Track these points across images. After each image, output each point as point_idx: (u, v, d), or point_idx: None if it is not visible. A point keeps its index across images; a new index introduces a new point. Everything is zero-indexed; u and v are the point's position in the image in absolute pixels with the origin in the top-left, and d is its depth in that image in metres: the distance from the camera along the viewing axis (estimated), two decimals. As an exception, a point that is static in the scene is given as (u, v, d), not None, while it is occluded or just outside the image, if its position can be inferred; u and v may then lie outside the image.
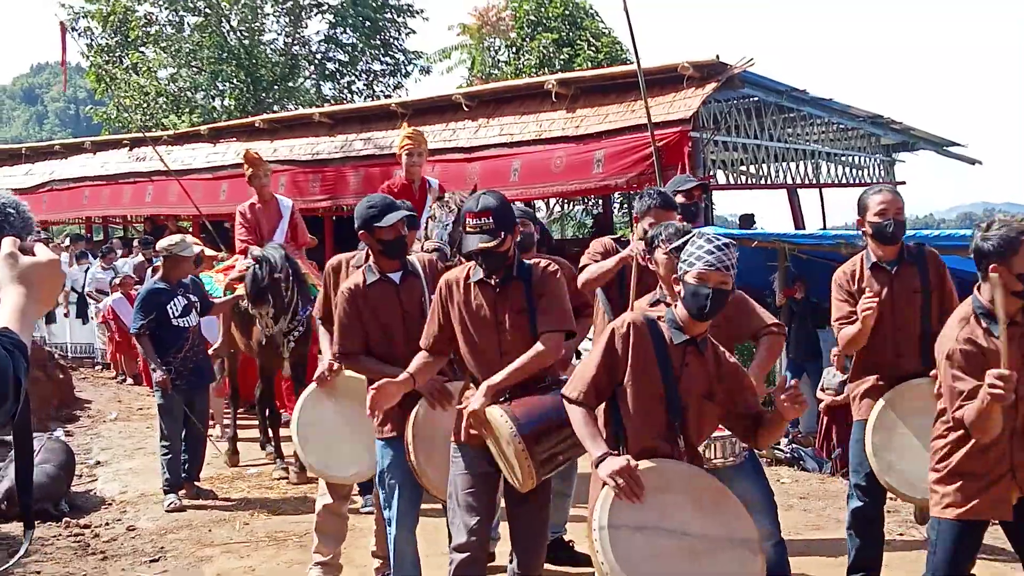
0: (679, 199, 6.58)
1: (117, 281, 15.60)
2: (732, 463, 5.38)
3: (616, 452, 4.14)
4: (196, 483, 8.88)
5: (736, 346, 5.64)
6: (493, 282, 4.89)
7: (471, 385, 5.01)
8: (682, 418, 4.26)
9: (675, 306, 4.41)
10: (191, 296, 8.91)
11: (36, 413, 11.49)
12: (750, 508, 5.11)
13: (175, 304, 8.73)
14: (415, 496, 5.48)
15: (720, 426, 4.94)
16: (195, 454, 8.93)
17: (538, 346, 4.78)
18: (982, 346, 4.47)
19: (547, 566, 5.33)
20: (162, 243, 9.22)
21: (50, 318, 17.77)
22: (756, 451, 5.61)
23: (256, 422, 10.43)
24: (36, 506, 8.18)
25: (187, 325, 8.78)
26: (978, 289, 4.65)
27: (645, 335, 4.29)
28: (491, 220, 4.80)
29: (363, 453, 5.99)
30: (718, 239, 4.35)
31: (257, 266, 9.06)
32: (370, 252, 5.73)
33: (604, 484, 4.03)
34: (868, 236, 5.74)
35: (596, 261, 6.23)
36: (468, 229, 4.86)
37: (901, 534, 7.39)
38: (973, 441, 4.54)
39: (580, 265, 6.34)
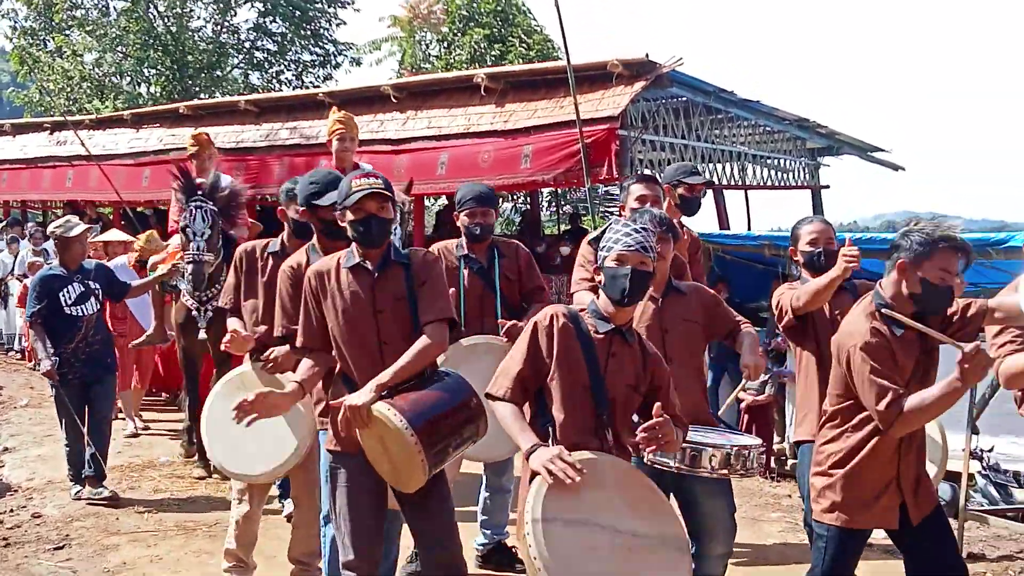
0: (680, 191, 6.50)
1: (28, 263, 15.29)
2: (754, 472, 5.18)
3: (546, 445, 4.05)
4: (103, 484, 8.27)
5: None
6: (369, 267, 4.64)
7: (341, 386, 4.69)
8: (610, 410, 4.20)
9: (598, 296, 4.38)
10: (90, 283, 8.42)
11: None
12: (715, 527, 5.18)
13: (69, 291, 8.30)
14: None
15: (743, 438, 5.05)
16: (100, 445, 8.32)
17: (424, 339, 4.51)
18: (890, 340, 4.44)
19: (489, 572, 5.14)
20: (50, 227, 8.86)
21: None
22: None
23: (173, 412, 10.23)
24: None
25: (81, 313, 8.31)
26: (880, 285, 4.64)
27: (568, 327, 4.25)
28: (380, 181, 4.61)
29: (272, 452, 5.64)
30: (637, 224, 4.31)
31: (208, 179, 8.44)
32: (314, 232, 5.43)
33: (535, 478, 3.95)
34: (801, 265, 5.79)
35: (586, 275, 5.94)
36: (354, 188, 4.56)
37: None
38: (869, 447, 4.51)
39: (575, 277, 6.10)
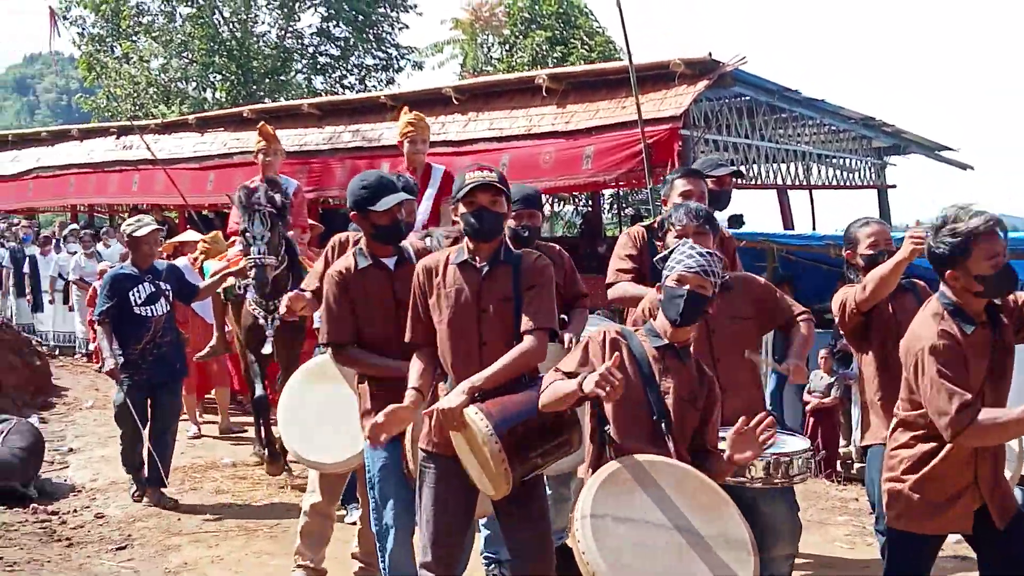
0: (709, 184, 6.28)
1: (100, 268, 15.38)
2: (800, 480, 4.99)
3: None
4: (162, 490, 8.19)
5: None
6: (478, 264, 4.54)
7: (446, 382, 4.62)
8: (667, 418, 4.14)
9: (655, 318, 4.38)
10: (160, 284, 8.30)
11: (11, 398, 11.41)
12: (777, 529, 4.99)
13: (139, 291, 8.18)
14: (411, 505, 4.86)
15: (791, 442, 4.91)
16: (163, 453, 8.25)
17: (525, 345, 4.39)
18: (960, 341, 4.27)
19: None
20: (122, 226, 8.81)
21: (37, 306, 17.57)
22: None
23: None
24: (2, 484, 8.06)
25: (150, 314, 8.18)
26: (943, 285, 4.47)
27: (621, 344, 4.23)
28: (494, 174, 4.50)
29: (350, 442, 5.47)
30: (703, 248, 4.30)
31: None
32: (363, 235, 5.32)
33: (588, 476, 3.94)
34: (860, 269, 5.55)
35: (625, 265, 5.90)
36: (467, 180, 4.45)
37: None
38: (944, 452, 4.33)
39: (609, 278, 6.00)
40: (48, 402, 12.69)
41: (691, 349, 4.42)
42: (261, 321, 8.21)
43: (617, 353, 4.04)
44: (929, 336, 4.27)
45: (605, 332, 4.26)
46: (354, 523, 6.41)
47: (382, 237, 5.18)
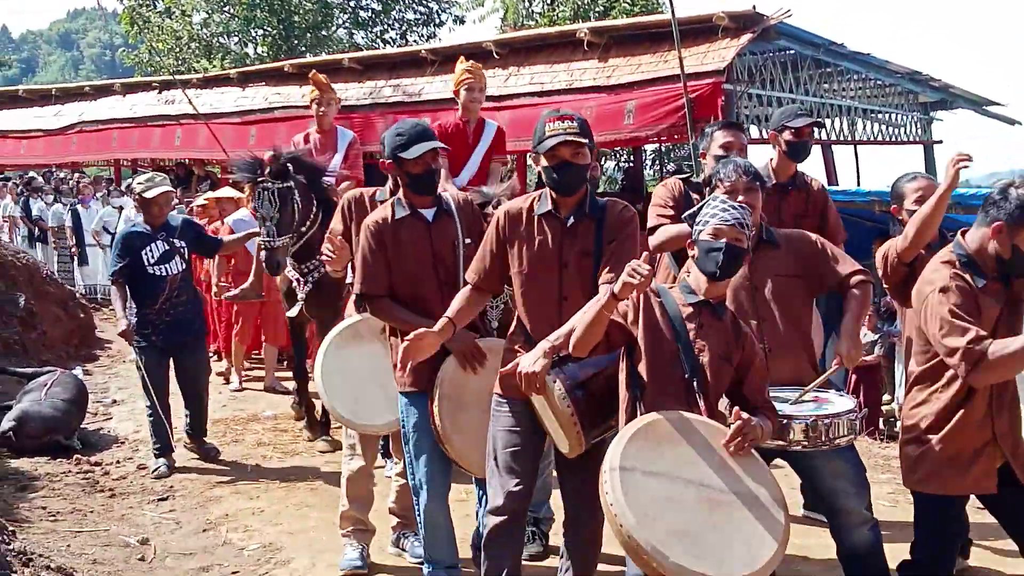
0: (786, 136, 6.06)
1: None
2: (851, 440, 4.66)
3: None
4: (204, 440, 8.27)
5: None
6: (563, 216, 4.47)
7: (518, 334, 4.61)
8: (700, 376, 4.09)
9: (688, 274, 4.33)
10: (175, 241, 7.98)
11: (56, 351, 11.53)
12: (842, 487, 4.70)
13: (152, 249, 7.87)
14: (444, 460, 4.96)
15: (838, 402, 4.65)
16: (196, 412, 8.22)
17: (601, 297, 4.14)
18: (973, 287, 4.22)
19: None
20: (133, 183, 8.47)
21: (83, 259, 17.65)
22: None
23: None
24: (45, 438, 8.15)
25: (164, 273, 7.88)
26: (963, 235, 4.39)
27: (654, 299, 4.20)
28: (575, 124, 4.38)
29: (395, 400, 5.33)
30: (734, 203, 4.24)
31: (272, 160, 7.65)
32: (399, 185, 5.24)
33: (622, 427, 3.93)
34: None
35: (666, 212, 5.73)
36: (548, 132, 4.35)
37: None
38: (961, 411, 4.29)
39: (650, 224, 5.82)
40: (92, 354, 12.83)
41: (728, 304, 4.37)
42: (294, 284, 8.01)
43: (646, 253, 3.97)
44: (941, 278, 4.22)
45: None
46: (389, 477, 6.39)
47: (415, 186, 5.08)
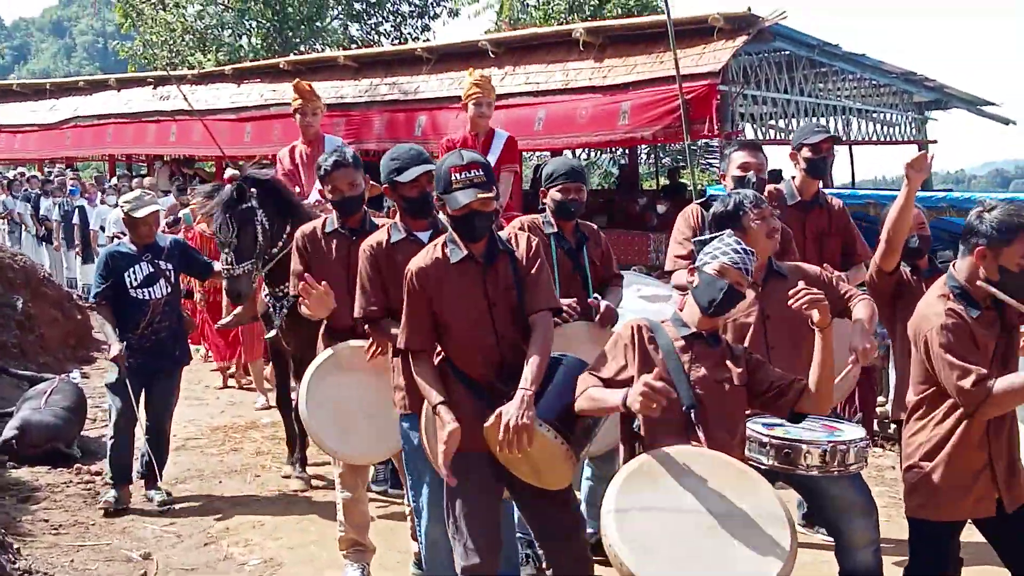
0: (805, 153, 6.14)
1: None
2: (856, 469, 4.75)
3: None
4: (157, 486, 7.50)
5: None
6: (478, 258, 4.47)
7: (455, 381, 4.51)
8: (698, 409, 4.13)
9: (683, 304, 4.39)
10: (160, 263, 7.48)
11: (53, 354, 11.55)
12: (849, 511, 4.83)
13: (136, 271, 7.38)
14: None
15: (849, 430, 4.73)
16: (154, 450, 7.51)
17: (541, 332, 4.36)
18: (967, 320, 4.28)
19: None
20: (120, 200, 7.89)
21: (87, 258, 17.44)
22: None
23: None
24: (46, 447, 8.18)
25: (147, 297, 7.37)
26: (954, 266, 4.47)
27: (648, 336, 4.23)
28: (481, 172, 4.42)
29: (383, 430, 5.33)
30: (745, 244, 4.29)
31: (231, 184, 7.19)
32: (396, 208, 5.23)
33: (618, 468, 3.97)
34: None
35: (687, 245, 5.64)
36: (455, 185, 4.37)
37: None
38: (957, 436, 4.34)
39: (671, 254, 5.83)
40: (89, 356, 12.82)
41: (734, 336, 4.43)
42: (270, 310, 7.44)
43: (657, 369, 3.98)
44: (937, 316, 4.28)
45: (633, 327, 4.24)
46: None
47: (411, 209, 5.12)
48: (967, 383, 4.13)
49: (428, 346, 4.59)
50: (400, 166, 5.04)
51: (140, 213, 7.41)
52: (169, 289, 7.53)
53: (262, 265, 7.15)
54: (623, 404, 3.95)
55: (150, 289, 7.42)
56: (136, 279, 7.38)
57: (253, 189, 7.12)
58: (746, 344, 4.81)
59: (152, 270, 7.44)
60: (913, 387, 4.54)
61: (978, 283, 4.31)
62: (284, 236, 7.09)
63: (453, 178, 4.41)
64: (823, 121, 16.16)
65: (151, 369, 7.45)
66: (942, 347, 4.22)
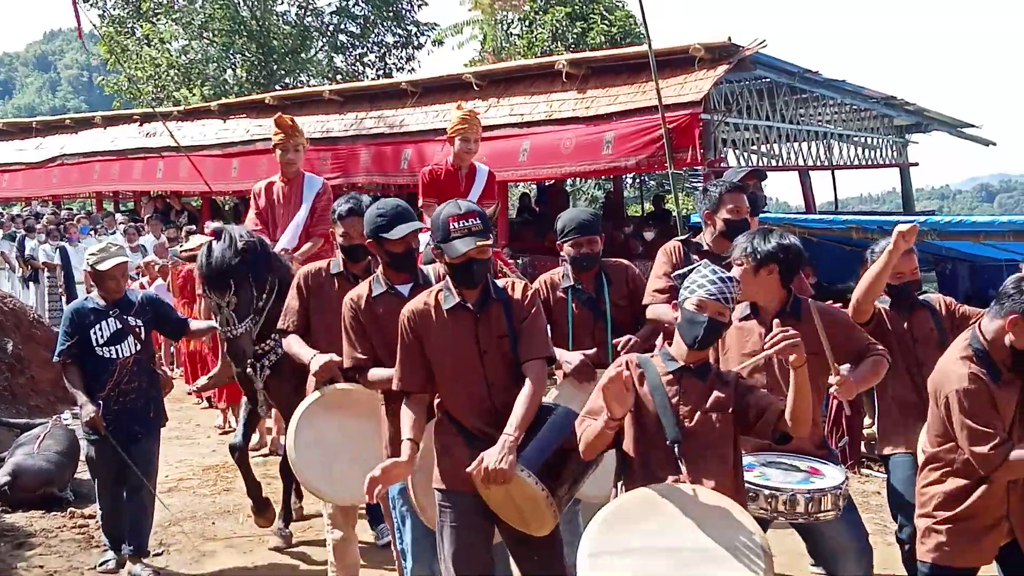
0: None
1: (141, 263, 14.84)
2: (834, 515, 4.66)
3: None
4: (142, 559, 6.91)
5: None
6: (471, 307, 4.56)
7: (448, 424, 4.63)
8: (684, 443, 4.19)
9: (672, 340, 4.43)
10: (129, 319, 6.92)
11: (44, 395, 11.56)
12: (843, 553, 4.89)
13: (102, 328, 6.84)
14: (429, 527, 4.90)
15: (830, 475, 4.70)
16: (138, 520, 6.96)
17: (532, 381, 4.44)
18: (988, 384, 4.37)
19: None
20: (86, 252, 7.26)
21: (71, 298, 17.37)
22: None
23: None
24: (40, 491, 8.20)
25: (114, 356, 6.81)
26: (980, 327, 4.55)
27: (634, 371, 4.28)
28: (479, 221, 4.51)
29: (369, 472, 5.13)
30: (723, 272, 4.32)
31: (214, 240, 6.83)
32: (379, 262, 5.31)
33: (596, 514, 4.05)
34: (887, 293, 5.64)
35: (661, 285, 5.72)
36: (454, 234, 4.48)
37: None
38: (979, 493, 4.44)
39: (649, 288, 5.79)
40: (80, 397, 12.79)
41: (711, 364, 4.46)
42: (249, 371, 7.05)
43: (620, 369, 4.06)
44: (959, 378, 4.38)
45: (621, 363, 4.28)
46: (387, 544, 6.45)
47: (396, 265, 5.20)
48: (985, 449, 4.27)
49: (422, 388, 4.67)
50: (387, 223, 5.10)
51: (105, 266, 6.88)
52: (139, 347, 6.96)
53: (255, 320, 6.83)
54: (608, 418, 4.05)
55: (118, 347, 6.87)
56: (103, 336, 6.86)
57: (240, 247, 6.75)
58: (764, 382, 4.83)
59: (120, 326, 6.90)
60: (931, 439, 4.63)
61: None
62: (268, 286, 6.86)
63: (452, 227, 4.49)
64: (805, 146, 16.32)
65: (125, 434, 6.83)
66: (963, 412, 4.34)
